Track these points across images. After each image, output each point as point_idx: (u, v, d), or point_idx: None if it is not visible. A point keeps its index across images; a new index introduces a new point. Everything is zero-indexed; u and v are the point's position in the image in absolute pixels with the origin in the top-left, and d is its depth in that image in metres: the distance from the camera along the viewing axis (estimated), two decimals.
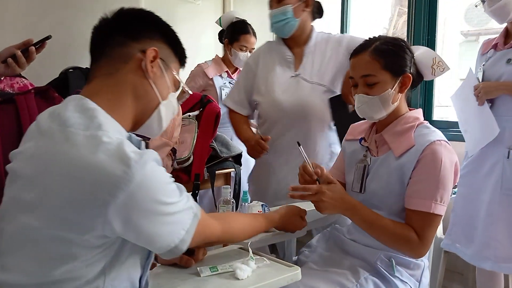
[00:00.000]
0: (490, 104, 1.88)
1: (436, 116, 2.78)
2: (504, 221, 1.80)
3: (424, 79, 1.36)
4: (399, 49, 1.27)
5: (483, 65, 1.94)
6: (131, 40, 0.90)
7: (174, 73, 0.97)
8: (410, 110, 1.33)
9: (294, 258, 1.49)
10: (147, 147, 0.95)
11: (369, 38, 1.31)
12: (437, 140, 1.21)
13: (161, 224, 0.81)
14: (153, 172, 0.78)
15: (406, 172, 1.21)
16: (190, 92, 1.05)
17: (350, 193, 1.38)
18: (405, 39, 2.85)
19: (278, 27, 1.75)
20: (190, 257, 1.12)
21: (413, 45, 2.66)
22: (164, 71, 0.94)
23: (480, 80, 1.93)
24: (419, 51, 1.32)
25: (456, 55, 4.25)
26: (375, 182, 1.30)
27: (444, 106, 2.98)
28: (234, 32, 2.48)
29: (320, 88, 1.76)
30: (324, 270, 1.26)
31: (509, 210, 1.79)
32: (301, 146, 1.28)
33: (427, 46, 2.61)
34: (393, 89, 1.24)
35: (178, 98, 1.01)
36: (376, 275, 1.25)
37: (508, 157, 1.80)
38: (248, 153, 1.78)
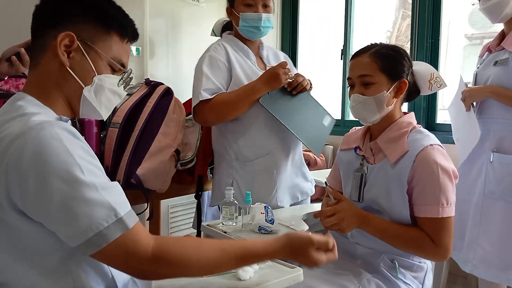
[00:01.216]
0: (477, 108, 1.89)
1: (439, 119, 2.78)
2: (485, 225, 1.81)
3: (420, 94, 1.37)
4: (398, 54, 1.29)
5: (477, 67, 1.96)
6: (49, 28, 0.90)
7: (99, 52, 0.91)
8: (403, 114, 1.34)
9: None
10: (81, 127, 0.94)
11: (371, 43, 1.33)
12: (430, 144, 1.22)
13: (54, 206, 0.74)
14: (52, 138, 0.76)
15: (403, 178, 1.22)
16: (129, 71, 0.98)
17: None
18: (409, 42, 2.86)
19: (263, 32, 1.76)
20: None
21: (417, 47, 2.72)
22: (86, 54, 0.90)
23: (473, 83, 1.95)
24: (419, 66, 1.34)
25: (460, 58, 4.24)
26: (374, 190, 1.30)
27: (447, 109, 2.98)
28: None
29: None
30: (326, 272, 1.26)
31: (490, 213, 1.79)
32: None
33: (431, 49, 2.67)
34: (389, 91, 1.26)
35: (119, 78, 0.96)
36: (379, 276, 1.25)
37: (491, 160, 1.81)
38: (275, 82, 1.62)
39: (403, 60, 1.29)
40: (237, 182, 1.72)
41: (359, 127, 1.49)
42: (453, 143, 2.36)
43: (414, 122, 1.32)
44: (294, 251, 0.93)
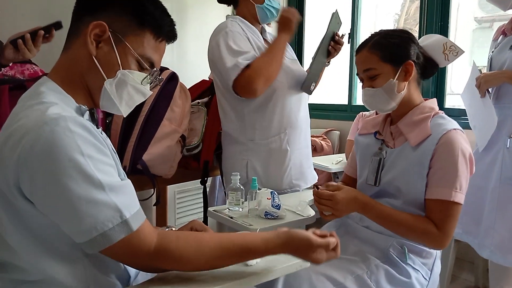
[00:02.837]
0: (493, 94, 1.86)
1: (448, 104, 2.75)
2: (502, 211, 1.79)
3: (440, 66, 1.35)
4: (398, 39, 1.28)
5: (492, 51, 1.91)
6: (86, 14, 0.89)
7: (129, 46, 0.89)
8: (425, 100, 1.33)
9: None
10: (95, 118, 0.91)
11: (371, 34, 1.33)
12: (453, 128, 1.21)
13: (59, 201, 0.75)
14: (65, 135, 0.75)
15: (424, 162, 1.21)
16: (153, 68, 0.95)
17: (364, 186, 1.38)
18: (418, 25, 2.81)
19: (275, 16, 1.77)
20: None
21: (426, 31, 2.67)
22: (115, 47, 0.88)
23: (488, 67, 1.91)
24: (428, 40, 1.32)
25: (469, 42, 4.17)
26: (391, 173, 1.29)
27: (457, 94, 2.95)
28: None
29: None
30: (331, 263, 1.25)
31: (507, 199, 1.77)
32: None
33: (440, 33, 2.61)
34: (396, 78, 1.26)
35: (144, 76, 0.93)
36: (387, 262, 1.24)
37: (508, 146, 1.79)
38: (289, 23, 1.67)
39: (404, 44, 1.28)
40: (252, 163, 1.72)
41: (379, 114, 1.48)
42: (464, 127, 2.34)
43: (436, 108, 1.31)
44: (294, 249, 0.92)
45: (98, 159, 0.79)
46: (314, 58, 1.77)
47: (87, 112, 0.89)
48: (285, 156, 1.73)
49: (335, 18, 1.75)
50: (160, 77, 0.98)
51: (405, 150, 1.27)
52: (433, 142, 1.20)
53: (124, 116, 1.01)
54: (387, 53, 1.26)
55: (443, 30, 2.66)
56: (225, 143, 1.82)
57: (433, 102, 1.33)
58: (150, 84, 0.97)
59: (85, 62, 0.89)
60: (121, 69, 0.89)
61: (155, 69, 0.95)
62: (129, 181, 0.87)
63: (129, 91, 0.92)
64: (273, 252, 0.92)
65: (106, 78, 0.89)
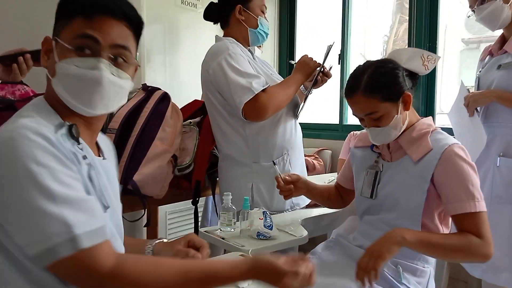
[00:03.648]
0: (481, 113, 1.88)
1: (438, 123, 2.78)
2: (493, 229, 1.78)
3: (420, 75, 1.36)
4: (389, 76, 1.27)
5: (480, 71, 1.95)
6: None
7: (60, 41, 0.85)
8: (421, 118, 1.35)
9: None
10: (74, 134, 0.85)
11: (355, 73, 1.31)
12: (454, 143, 1.23)
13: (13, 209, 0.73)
14: (23, 144, 0.73)
15: (426, 176, 1.22)
16: (97, 41, 0.85)
17: (359, 199, 1.40)
18: (406, 47, 2.86)
19: (265, 39, 1.84)
20: (198, 252, 1.07)
21: None
22: (54, 49, 0.86)
23: (476, 87, 1.94)
24: (405, 57, 1.31)
25: (457, 63, 4.26)
26: (389, 187, 1.31)
27: (446, 113, 2.99)
28: None
29: None
30: (328, 280, 1.23)
31: (499, 218, 1.77)
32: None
33: None
34: (399, 113, 1.26)
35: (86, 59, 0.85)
36: (381, 282, 1.23)
37: (498, 165, 1.80)
38: (307, 68, 1.76)
39: (395, 78, 1.27)
40: (257, 185, 1.72)
41: None
42: None
43: (433, 124, 1.34)
44: (261, 275, 0.87)
45: (57, 169, 0.76)
46: (309, 91, 1.82)
47: (65, 127, 0.85)
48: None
49: (330, 51, 1.79)
50: (119, 52, 0.87)
51: (404, 164, 1.29)
52: (435, 157, 1.22)
53: (96, 114, 0.90)
54: (384, 94, 1.25)
55: (432, 51, 2.71)
56: (224, 166, 1.81)
57: (429, 120, 1.35)
58: (108, 66, 0.86)
59: (47, 79, 0.89)
60: (58, 62, 0.85)
61: (65, 45, 0.85)
62: (93, 198, 0.82)
63: (75, 83, 0.84)
64: (238, 279, 0.87)
65: (51, 77, 0.86)
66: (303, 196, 1.81)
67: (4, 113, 1.38)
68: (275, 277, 0.86)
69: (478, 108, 1.89)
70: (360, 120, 1.34)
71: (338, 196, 1.60)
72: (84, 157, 0.86)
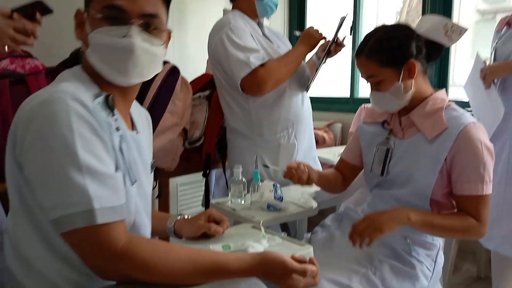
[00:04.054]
0: (498, 85, 1.84)
1: (450, 96, 2.74)
2: (508, 203, 1.79)
3: (446, 46, 1.31)
4: (395, 41, 1.24)
5: (496, 43, 1.90)
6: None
7: (90, 10, 0.86)
8: (434, 90, 1.30)
9: (306, 235, 1.49)
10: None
11: (366, 35, 1.29)
12: (471, 122, 1.19)
13: (47, 177, 0.74)
14: (61, 110, 0.75)
15: (440, 157, 1.19)
16: (123, 11, 0.84)
17: (369, 175, 1.38)
18: (419, 17, 2.79)
19: (274, 11, 1.79)
20: (218, 225, 1.10)
21: None
22: (86, 19, 0.88)
23: (492, 58, 1.89)
24: (426, 26, 1.27)
25: (472, 34, 4.16)
26: (400, 165, 1.28)
27: (459, 86, 2.95)
28: None
29: None
30: (336, 257, 1.24)
31: None
32: None
33: None
34: (400, 80, 1.23)
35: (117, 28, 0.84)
36: (391, 256, 1.23)
37: None
38: (312, 40, 1.74)
39: (401, 43, 1.23)
40: (262, 158, 1.73)
41: None
42: None
43: (447, 99, 1.28)
44: (268, 273, 0.86)
45: (90, 139, 0.77)
46: (322, 61, 1.81)
47: (102, 97, 0.85)
48: (293, 150, 1.76)
49: (343, 22, 1.76)
50: (149, 21, 0.87)
51: (417, 142, 1.25)
52: (450, 138, 1.18)
53: (132, 82, 0.90)
54: (384, 59, 1.23)
55: (446, 16, 2.64)
56: (231, 138, 1.83)
57: (443, 93, 1.30)
58: (140, 34, 0.86)
59: (83, 51, 0.90)
60: (89, 33, 0.86)
61: (129, 15, 0.84)
62: (119, 175, 0.83)
63: (108, 52, 0.85)
64: (246, 273, 0.85)
65: (85, 50, 0.87)
66: None
67: (15, 87, 1.40)
68: (283, 273, 0.86)
69: (495, 80, 1.86)
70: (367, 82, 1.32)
71: (339, 177, 1.51)
72: (117, 129, 0.86)
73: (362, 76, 1.32)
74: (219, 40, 1.63)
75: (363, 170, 1.46)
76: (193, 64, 2.66)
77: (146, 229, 0.97)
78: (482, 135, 1.19)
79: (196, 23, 2.85)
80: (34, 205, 0.80)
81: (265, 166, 1.52)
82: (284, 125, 1.75)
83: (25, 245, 0.82)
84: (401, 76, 1.23)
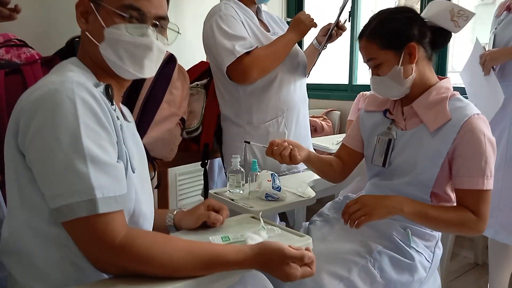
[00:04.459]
0: (498, 71, 1.83)
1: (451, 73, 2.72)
2: (507, 190, 1.80)
3: (453, 33, 1.28)
4: (396, 23, 1.22)
5: (496, 28, 1.88)
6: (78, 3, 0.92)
7: (105, 5, 0.88)
8: (440, 79, 1.27)
9: (305, 223, 1.49)
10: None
11: (370, 18, 1.28)
12: (475, 114, 1.17)
13: (50, 164, 0.75)
14: (67, 97, 0.77)
15: (442, 150, 1.17)
16: (141, 12, 0.89)
17: (370, 166, 1.37)
18: (419, 2, 2.76)
19: None
20: (218, 214, 1.10)
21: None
22: (96, 12, 0.89)
23: (491, 44, 1.87)
24: (433, 11, 1.25)
25: (471, 19, 4.11)
26: (402, 157, 1.26)
27: (458, 72, 2.93)
28: None
29: None
30: (335, 250, 1.23)
31: None
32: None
33: None
34: (400, 64, 1.20)
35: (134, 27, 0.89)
36: (390, 247, 1.23)
37: None
38: (302, 26, 1.70)
39: (402, 26, 1.21)
40: (251, 146, 1.72)
41: None
42: None
43: (451, 88, 1.26)
44: (266, 262, 0.87)
45: (93, 129, 0.78)
46: (324, 45, 1.79)
47: (102, 86, 0.88)
48: (283, 138, 1.72)
49: (346, 5, 1.74)
50: (154, 22, 0.92)
51: (419, 134, 1.23)
52: (454, 130, 1.16)
53: (140, 76, 0.94)
54: (384, 41, 1.21)
55: None
56: (224, 126, 1.82)
57: (448, 82, 1.26)
58: (154, 33, 0.92)
59: (85, 42, 0.92)
60: (105, 28, 0.88)
61: (148, 16, 0.90)
62: (121, 165, 0.84)
63: (126, 48, 0.89)
64: (244, 264, 0.86)
65: (98, 44, 0.89)
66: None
67: (10, 77, 1.38)
68: (281, 260, 0.86)
69: (494, 67, 1.84)
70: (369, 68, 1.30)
71: (339, 164, 1.48)
72: (117, 118, 0.88)
73: (363, 61, 1.30)
74: (209, 28, 1.63)
75: (364, 158, 1.45)
76: (190, 49, 2.63)
77: (146, 218, 0.97)
78: (486, 128, 1.16)
79: (193, 8, 2.81)
80: (32, 195, 0.80)
81: (247, 142, 1.47)
82: (274, 113, 1.73)
83: (19, 235, 0.83)
84: (401, 59, 1.20)
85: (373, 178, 1.39)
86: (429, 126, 1.20)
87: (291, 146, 1.31)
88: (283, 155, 1.29)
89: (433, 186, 1.20)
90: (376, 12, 1.29)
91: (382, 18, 1.24)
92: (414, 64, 1.22)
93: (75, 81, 0.79)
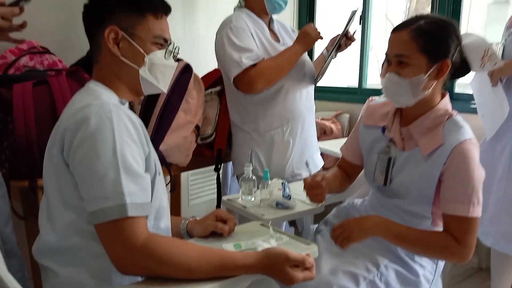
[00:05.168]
0: (504, 83, 1.85)
1: (457, 82, 2.73)
2: (507, 200, 1.82)
3: (471, 71, 1.25)
4: (444, 31, 1.17)
5: (505, 40, 1.90)
6: (97, 28, 1.02)
7: (142, 35, 1.02)
8: (442, 96, 1.26)
9: (313, 226, 1.55)
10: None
11: (416, 15, 1.22)
12: (468, 138, 1.16)
13: (86, 174, 0.87)
14: (105, 117, 0.89)
15: (435, 173, 1.17)
16: (166, 40, 1.08)
17: (372, 184, 1.38)
18: (430, 6, 2.77)
19: (283, 8, 1.83)
20: (225, 224, 1.19)
21: (439, 8, 2.62)
22: (132, 40, 1.02)
23: (500, 55, 1.89)
24: (470, 39, 1.21)
25: (484, 18, 4.09)
26: (401, 177, 1.27)
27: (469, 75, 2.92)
28: None
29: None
30: (343, 261, 1.26)
31: None
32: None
33: (452, 12, 2.58)
34: (427, 75, 1.16)
35: (164, 52, 1.07)
36: (396, 261, 1.26)
37: None
38: (308, 38, 1.76)
39: (448, 38, 1.16)
40: (256, 152, 1.81)
41: (386, 100, 1.39)
42: (472, 112, 2.36)
43: (450, 108, 1.25)
44: (270, 265, 0.95)
45: (127, 143, 0.89)
46: (330, 55, 1.83)
47: (127, 103, 1.04)
48: (287, 147, 1.81)
49: (355, 16, 1.78)
50: (175, 47, 1.11)
51: (415, 156, 1.23)
52: (445, 154, 1.15)
53: (165, 92, 1.13)
54: (428, 45, 1.14)
55: (456, 9, 2.62)
56: (233, 131, 1.91)
57: (447, 103, 1.25)
58: (172, 56, 1.11)
59: (115, 64, 1.02)
60: (146, 55, 1.03)
61: (170, 42, 1.08)
62: (148, 176, 0.95)
63: (160, 70, 1.06)
64: (252, 267, 0.95)
65: (138, 68, 1.03)
66: (304, 166, 1.87)
67: (38, 88, 1.46)
68: (283, 263, 0.95)
69: (501, 78, 1.87)
70: (386, 63, 1.23)
71: (345, 176, 1.50)
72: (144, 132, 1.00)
73: (387, 53, 1.22)
74: (220, 39, 1.72)
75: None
76: (203, 44, 2.66)
77: (165, 212, 1.09)
78: (476, 153, 1.16)
79: (207, 7, 2.85)
80: (74, 198, 0.91)
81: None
82: (279, 121, 1.80)
83: (63, 235, 0.94)
84: (431, 71, 1.16)
85: (375, 192, 1.41)
86: (423, 150, 1.21)
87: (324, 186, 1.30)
88: (314, 196, 1.31)
89: (432, 205, 1.22)
90: (421, 14, 1.24)
91: (432, 21, 1.17)
92: (436, 81, 1.19)
93: (111, 103, 0.92)
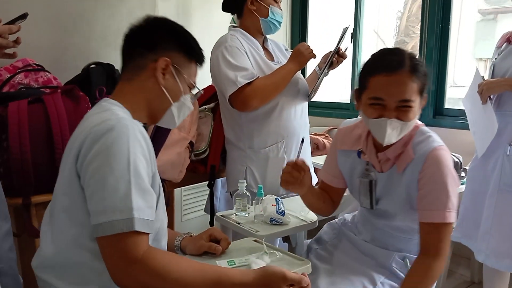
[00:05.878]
0: (494, 101, 1.88)
1: (450, 95, 2.77)
2: (498, 216, 1.84)
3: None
4: (423, 66, 1.17)
5: (495, 58, 1.94)
6: (148, 51, 1.05)
7: (185, 76, 1.10)
8: None
9: (306, 241, 1.55)
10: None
11: (388, 48, 1.23)
12: (437, 146, 1.18)
13: (100, 184, 0.88)
14: (123, 133, 0.90)
15: (412, 186, 1.20)
16: (202, 92, 1.20)
17: (361, 206, 1.38)
18: (420, 23, 2.83)
19: (278, 28, 1.88)
20: (218, 244, 1.20)
21: (428, 30, 2.68)
22: (176, 77, 1.08)
23: (490, 74, 1.93)
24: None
25: (472, 34, 4.19)
26: (385, 199, 1.28)
27: (460, 86, 2.96)
28: None
29: None
30: (339, 278, 1.26)
31: (504, 206, 1.82)
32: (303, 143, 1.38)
33: (441, 30, 2.64)
34: (419, 110, 1.18)
35: (193, 97, 1.15)
36: (391, 277, 1.27)
37: (508, 153, 1.82)
38: (301, 57, 1.78)
39: (427, 71, 1.17)
40: (251, 169, 1.82)
41: (356, 121, 1.38)
42: (461, 128, 2.39)
43: (417, 121, 1.25)
44: (267, 284, 0.96)
45: (140, 159, 0.91)
46: (323, 72, 1.86)
47: (141, 125, 1.03)
48: (282, 164, 1.78)
49: (346, 33, 1.82)
50: (198, 92, 1.19)
51: (393, 175, 1.25)
52: (418, 165, 1.18)
53: (174, 128, 1.25)
54: (421, 84, 1.14)
55: (445, 26, 2.69)
56: (228, 148, 1.92)
57: (416, 120, 1.23)
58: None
59: (154, 90, 1.06)
60: (183, 94, 1.10)
61: (198, 90, 1.17)
62: (154, 193, 0.96)
63: (183, 110, 1.13)
64: (249, 285, 0.95)
65: (172, 102, 1.09)
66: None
67: (33, 105, 1.47)
68: (282, 282, 0.96)
69: (491, 96, 1.90)
70: (376, 106, 1.15)
71: (328, 198, 1.45)
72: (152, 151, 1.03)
73: (379, 96, 1.13)
74: (215, 57, 1.75)
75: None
76: (200, 74, 2.71)
77: (164, 233, 1.10)
78: (448, 160, 1.17)
79: (201, 27, 2.89)
80: (80, 213, 0.93)
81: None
82: (274, 138, 1.82)
83: (66, 250, 0.95)
84: (421, 106, 1.18)
85: (364, 212, 1.41)
86: (398, 168, 1.23)
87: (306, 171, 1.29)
88: (296, 177, 1.27)
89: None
90: (391, 47, 1.24)
91: (414, 57, 1.15)
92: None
93: (128, 119, 0.95)
